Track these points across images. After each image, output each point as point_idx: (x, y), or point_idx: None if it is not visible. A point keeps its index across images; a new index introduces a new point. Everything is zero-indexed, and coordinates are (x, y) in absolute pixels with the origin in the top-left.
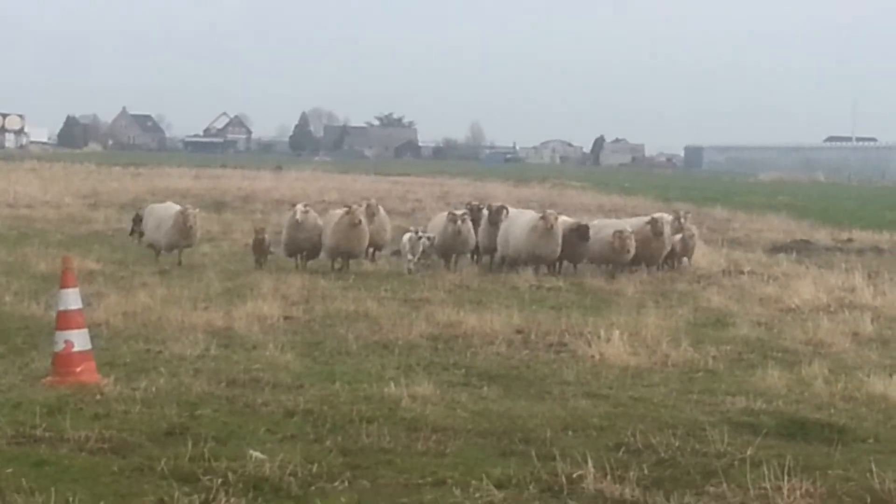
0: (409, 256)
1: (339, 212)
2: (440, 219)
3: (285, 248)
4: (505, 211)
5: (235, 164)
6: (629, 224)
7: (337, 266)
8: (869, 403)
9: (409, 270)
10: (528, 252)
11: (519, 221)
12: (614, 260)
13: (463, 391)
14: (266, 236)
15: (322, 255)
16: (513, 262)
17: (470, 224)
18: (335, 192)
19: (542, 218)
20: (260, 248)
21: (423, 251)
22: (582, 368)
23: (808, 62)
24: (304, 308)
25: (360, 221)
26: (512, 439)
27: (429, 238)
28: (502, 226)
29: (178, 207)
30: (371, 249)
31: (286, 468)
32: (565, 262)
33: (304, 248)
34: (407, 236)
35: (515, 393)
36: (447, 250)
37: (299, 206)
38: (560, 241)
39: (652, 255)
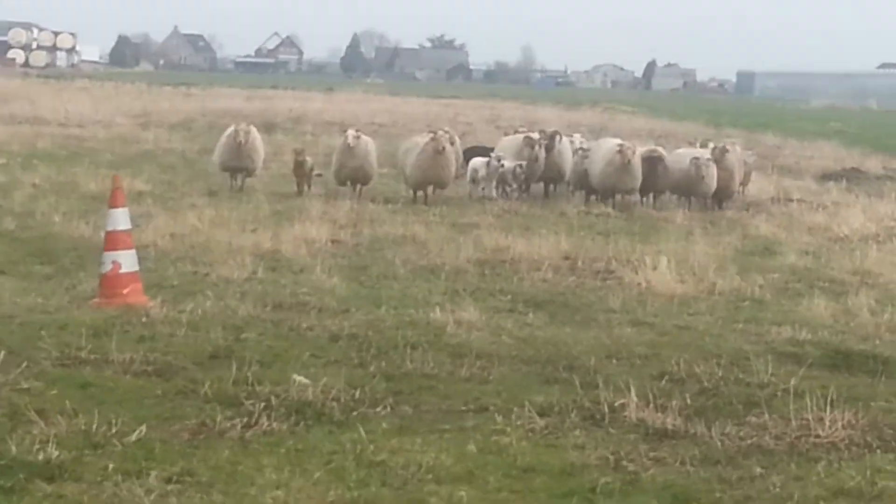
0: (484, 184)
1: (421, 139)
2: (510, 142)
3: (335, 176)
4: (559, 136)
5: (287, 84)
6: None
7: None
8: None
9: (493, 197)
10: (605, 185)
11: (598, 152)
12: (694, 191)
13: (508, 317)
14: (307, 158)
15: (409, 184)
16: (593, 192)
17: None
18: (386, 114)
19: (619, 152)
20: (301, 172)
21: (515, 177)
22: (628, 296)
23: None
24: (351, 232)
25: (443, 148)
26: (555, 367)
27: (520, 166)
28: (584, 156)
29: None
30: None
31: (329, 393)
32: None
33: (354, 176)
34: (480, 161)
35: (560, 320)
36: (528, 177)
37: (350, 132)
38: (639, 174)
39: (722, 186)
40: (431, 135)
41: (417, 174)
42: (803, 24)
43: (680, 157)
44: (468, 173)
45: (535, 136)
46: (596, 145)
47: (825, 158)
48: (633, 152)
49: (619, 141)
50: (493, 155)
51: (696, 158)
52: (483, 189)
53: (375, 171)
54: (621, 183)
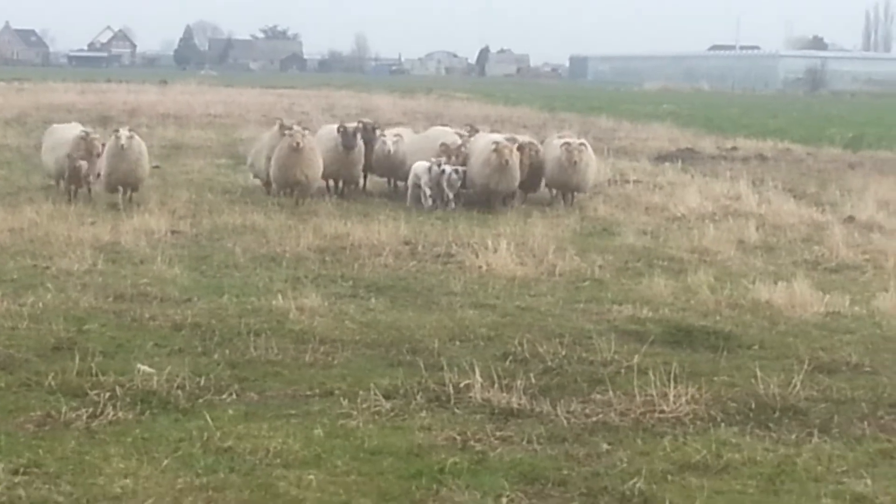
0: (427, 191)
1: (274, 131)
2: (327, 133)
3: (106, 181)
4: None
5: (121, 78)
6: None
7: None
8: (754, 310)
9: (428, 202)
10: (483, 186)
11: (475, 149)
12: (566, 181)
13: (351, 303)
14: (83, 164)
15: (275, 185)
16: (471, 195)
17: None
18: (221, 105)
19: (496, 151)
20: (76, 178)
21: (450, 183)
22: (469, 279)
23: None
24: (191, 222)
25: (298, 144)
26: (399, 350)
27: (456, 171)
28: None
29: (77, 131)
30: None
31: (174, 381)
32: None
33: (125, 180)
34: (423, 167)
35: (403, 304)
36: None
37: (123, 131)
38: (517, 173)
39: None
40: (287, 131)
41: (275, 174)
42: (634, 8)
43: (552, 146)
44: (410, 178)
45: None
46: (473, 140)
47: (659, 140)
48: (512, 151)
49: (496, 137)
50: (433, 160)
51: (568, 143)
52: (430, 198)
53: (147, 174)
54: (500, 184)
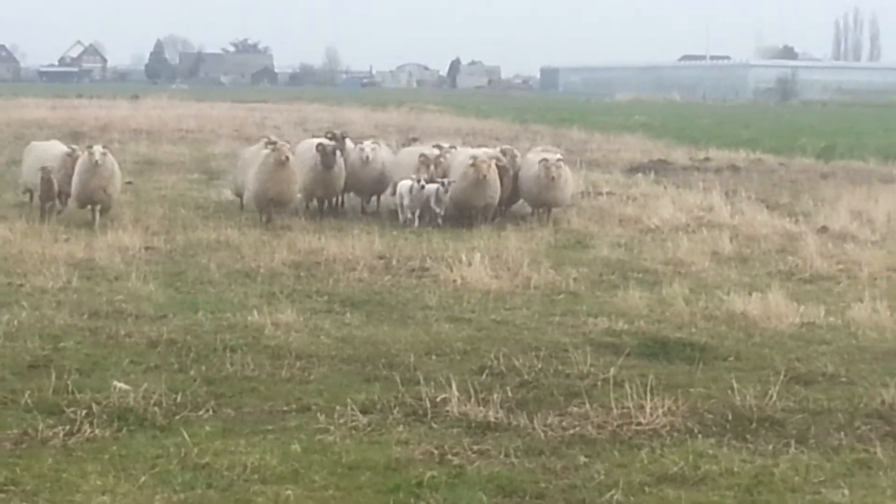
0: (409, 214)
1: (256, 148)
2: (407, 157)
3: (77, 198)
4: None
5: (92, 93)
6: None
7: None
8: (729, 322)
9: (407, 222)
10: (461, 201)
11: (454, 164)
12: (544, 198)
13: (326, 318)
14: (53, 177)
15: (249, 202)
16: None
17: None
18: (193, 119)
19: (473, 165)
20: (49, 194)
21: (438, 199)
22: (444, 293)
23: None
24: (165, 238)
25: (287, 158)
26: (376, 365)
27: (443, 185)
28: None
29: (62, 148)
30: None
31: (150, 398)
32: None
33: (96, 198)
34: (407, 185)
35: (378, 319)
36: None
37: (97, 147)
38: (497, 187)
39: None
40: (271, 144)
41: (257, 189)
42: (604, 19)
43: (531, 162)
44: (397, 196)
45: (427, 151)
46: (452, 155)
47: (632, 151)
48: (489, 165)
49: (473, 152)
50: (413, 177)
51: (545, 160)
52: (409, 216)
53: (118, 192)
54: (477, 199)
